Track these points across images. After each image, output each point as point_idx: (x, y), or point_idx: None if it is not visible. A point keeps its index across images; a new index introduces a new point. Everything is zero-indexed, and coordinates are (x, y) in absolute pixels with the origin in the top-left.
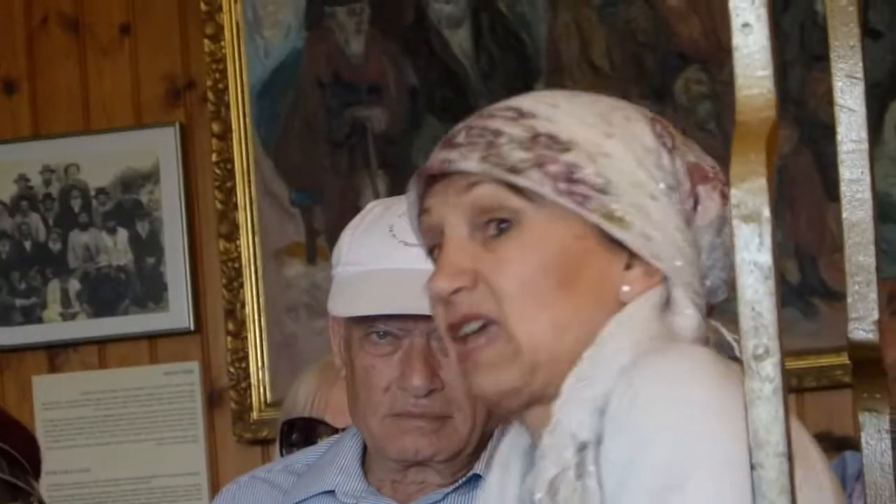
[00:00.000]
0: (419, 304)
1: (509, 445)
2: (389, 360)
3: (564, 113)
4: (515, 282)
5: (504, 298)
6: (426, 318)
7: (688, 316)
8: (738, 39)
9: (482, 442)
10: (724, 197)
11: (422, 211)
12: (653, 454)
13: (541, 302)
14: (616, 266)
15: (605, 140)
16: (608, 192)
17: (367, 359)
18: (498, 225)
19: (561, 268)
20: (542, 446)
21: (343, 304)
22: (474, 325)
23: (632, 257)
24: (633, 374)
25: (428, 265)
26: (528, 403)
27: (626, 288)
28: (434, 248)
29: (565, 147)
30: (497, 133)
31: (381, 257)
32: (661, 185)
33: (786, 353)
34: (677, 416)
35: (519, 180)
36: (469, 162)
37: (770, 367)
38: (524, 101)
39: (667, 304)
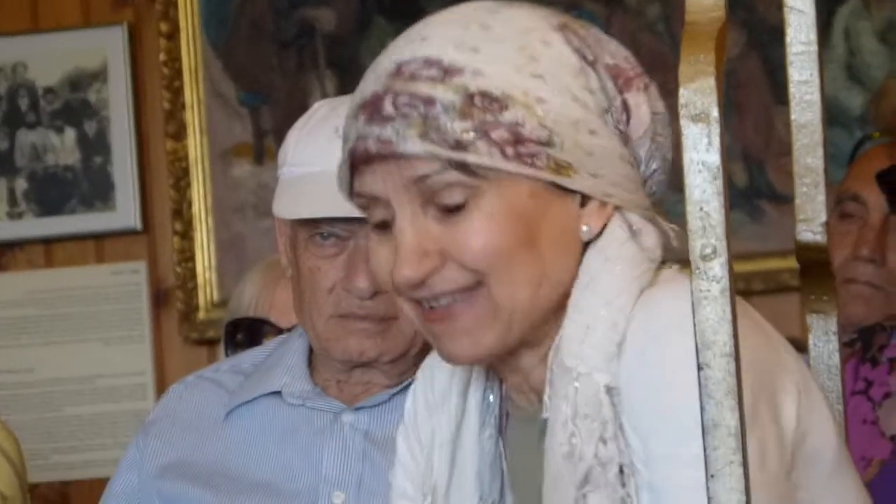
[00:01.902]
0: None
1: (444, 386)
2: (334, 261)
3: (488, 58)
4: (484, 254)
5: (477, 270)
6: None
7: (648, 233)
8: None
9: (428, 342)
10: (647, 89)
11: (357, 179)
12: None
13: (512, 264)
14: (572, 208)
15: (536, 82)
16: (553, 143)
17: (311, 260)
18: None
19: (522, 229)
20: (560, 406)
21: (287, 206)
22: (449, 299)
23: (584, 196)
24: (648, 323)
25: None
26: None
27: (584, 228)
28: (369, 207)
29: (502, 105)
30: (428, 101)
31: (327, 158)
32: (596, 116)
33: (733, 257)
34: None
35: (468, 157)
36: (410, 143)
37: (717, 268)
38: (441, 51)
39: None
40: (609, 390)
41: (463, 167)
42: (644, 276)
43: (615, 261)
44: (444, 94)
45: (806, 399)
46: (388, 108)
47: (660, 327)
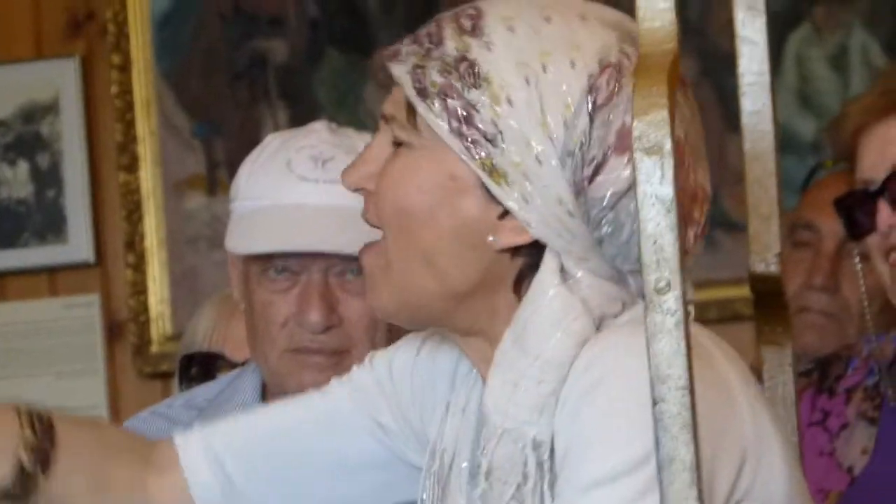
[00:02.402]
0: (315, 242)
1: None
2: (287, 295)
3: (511, 41)
4: (389, 203)
5: (381, 215)
6: (324, 255)
7: (589, 284)
8: None
9: None
10: None
11: None
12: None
13: (405, 227)
14: (490, 213)
15: (521, 85)
16: (496, 144)
17: (264, 294)
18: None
19: (427, 200)
20: (490, 459)
21: (240, 240)
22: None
23: (507, 210)
24: (582, 375)
25: (324, 200)
26: (419, 324)
27: (491, 238)
28: None
29: (477, 83)
30: (439, 43)
31: (278, 192)
32: (556, 150)
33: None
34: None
35: (419, 107)
36: (399, 66)
37: (672, 301)
38: (492, 14)
39: (561, 269)
40: (537, 445)
41: (412, 114)
42: (576, 325)
43: (543, 313)
44: (452, 45)
45: (754, 452)
46: (422, 32)
47: (591, 381)
